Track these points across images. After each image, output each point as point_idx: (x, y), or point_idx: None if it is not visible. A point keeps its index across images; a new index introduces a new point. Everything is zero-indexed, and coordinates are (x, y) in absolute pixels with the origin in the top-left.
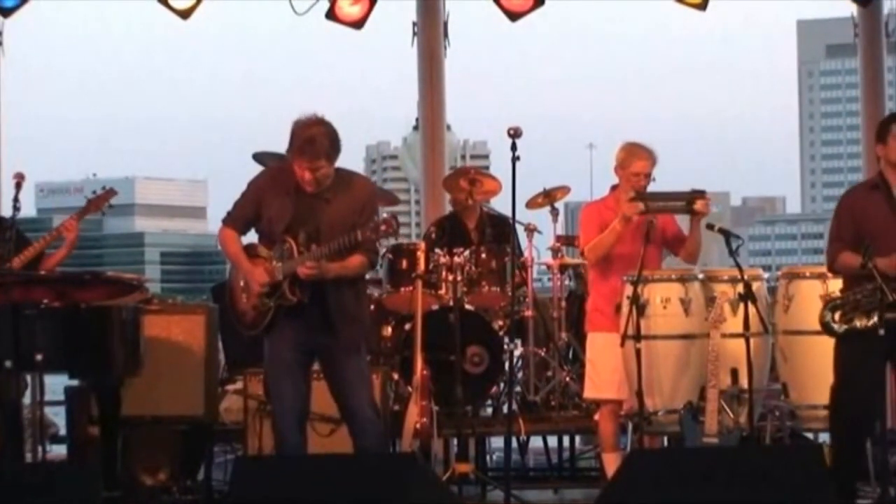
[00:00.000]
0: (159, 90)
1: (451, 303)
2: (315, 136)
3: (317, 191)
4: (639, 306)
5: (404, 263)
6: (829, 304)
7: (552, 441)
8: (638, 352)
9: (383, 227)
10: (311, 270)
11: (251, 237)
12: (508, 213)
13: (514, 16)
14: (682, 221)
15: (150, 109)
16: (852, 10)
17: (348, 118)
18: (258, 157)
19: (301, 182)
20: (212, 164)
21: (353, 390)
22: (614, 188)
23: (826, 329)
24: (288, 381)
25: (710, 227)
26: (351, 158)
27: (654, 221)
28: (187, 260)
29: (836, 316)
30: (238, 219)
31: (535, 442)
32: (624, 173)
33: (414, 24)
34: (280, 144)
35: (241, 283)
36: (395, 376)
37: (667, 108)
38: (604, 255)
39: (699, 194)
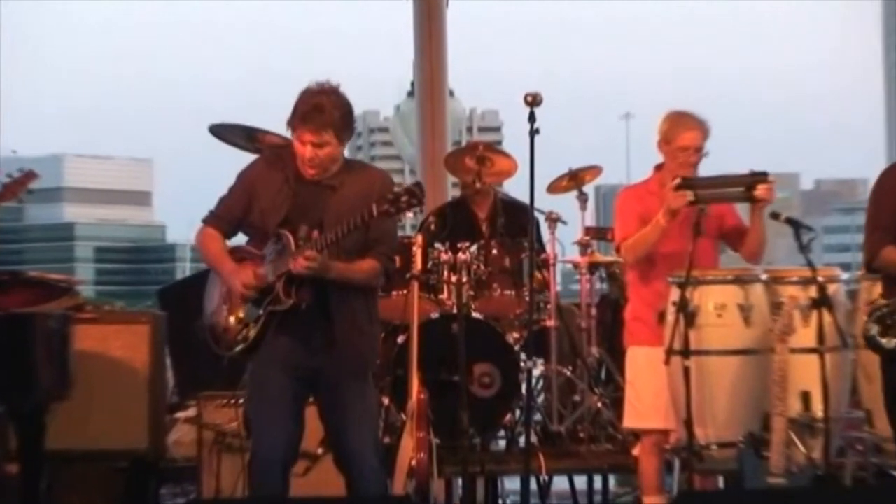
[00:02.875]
0: (94, 49)
1: (455, 310)
2: (324, 105)
3: (320, 176)
4: (687, 314)
5: (397, 261)
6: (873, 313)
7: (580, 482)
8: (686, 371)
9: (404, 199)
10: (311, 262)
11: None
12: (526, 198)
13: None
14: (743, 210)
15: (84, 72)
16: None
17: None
18: (216, 131)
19: (301, 162)
20: (159, 140)
21: (356, 428)
22: (658, 168)
23: (870, 344)
24: (274, 414)
25: (775, 216)
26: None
27: (707, 209)
28: (128, 257)
29: (883, 328)
30: (223, 217)
31: (560, 483)
32: (669, 148)
33: None
34: (241, 115)
35: (224, 293)
36: (386, 401)
37: (721, 70)
38: (644, 256)
39: (760, 177)
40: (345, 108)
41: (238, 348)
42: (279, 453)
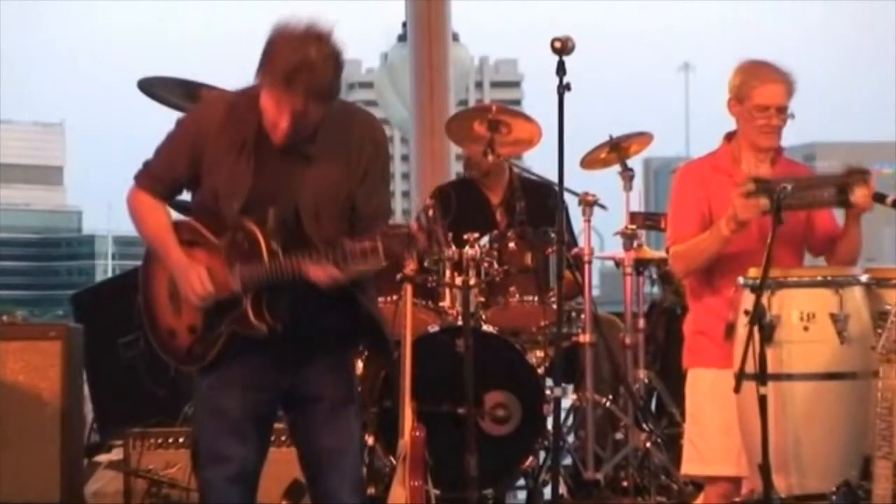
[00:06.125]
0: None
1: (461, 321)
2: (316, 62)
3: (291, 142)
4: (764, 327)
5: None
6: None
7: None
8: (763, 400)
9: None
10: (335, 274)
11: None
12: (552, 175)
13: None
14: None
15: None
16: None
17: None
18: (147, 87)
19: (270, 126)
20: (72, 100)
21: (335, 461)
22: (729, 137)
23: None
24: (233, 440)
25: (878, 199)
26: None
27: (790, 189)
28: (33, 252)
29: None
30: (163, 178)
31: None
32: (743, 109)
33: None
34: (178, 67)
35: (168, 286)
36: (371, 440)
37: (803, 9)
38: (698, 270)
39: (859, 176)
40: (339, 62)
41: (190, 366)
42: (237, 488)
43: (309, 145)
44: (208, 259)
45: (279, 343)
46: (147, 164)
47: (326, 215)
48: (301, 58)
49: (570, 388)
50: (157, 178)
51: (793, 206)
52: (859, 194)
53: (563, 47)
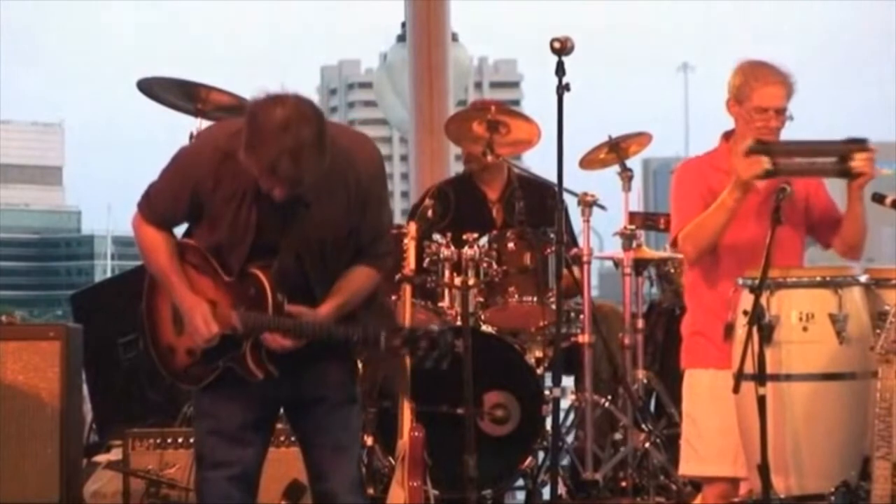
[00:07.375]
0: None
1: (459, 321)
2: (302, 147)
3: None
4: (763, 327)
5: None
6: None
7: None
8: (761, 401)
9: (423, 344)
10: (288, 343)
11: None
12: (551, 175)
13: None
14: (834, 189)
15: None
16: None
17: (295, 27)
18: (146, 87)
19: (266, 190)
20: (71, 100)
21: (337, 462)
22: (728, 136)
23: None
24: (234, 446)
25: (878, 199)
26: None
27: (790, 188)
28: (32, 252)
29: None
30: (166, 217)
31: None
32: (742, 110)
33: None
34: (178, 67)
35: (171, 310)
36: (370, 440)
37: (803, 9)
38: (709, 247)
39: (858, 145)
40: (322, 135)
41: (186, 384)
42: (238, 487)
43: (307, 191)
44: (213, 289)
45: (295, 363)
46: (149, 197)
47: (332, 254)
48: (283, 148)
49: (570, 388)
50: (160, 215)
51: (791, 171)
52: (859, 159)
53: (562, 47)
